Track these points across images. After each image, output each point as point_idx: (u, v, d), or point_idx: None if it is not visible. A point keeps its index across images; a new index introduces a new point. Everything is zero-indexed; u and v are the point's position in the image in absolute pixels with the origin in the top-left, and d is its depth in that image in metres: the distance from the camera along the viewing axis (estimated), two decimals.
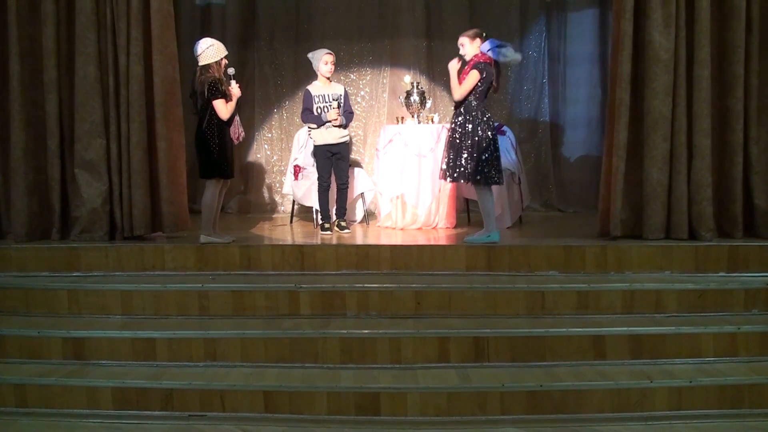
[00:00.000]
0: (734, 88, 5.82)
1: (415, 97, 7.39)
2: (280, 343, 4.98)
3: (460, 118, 5.90)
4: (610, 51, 6.16)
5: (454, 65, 5.95)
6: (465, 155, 5.85)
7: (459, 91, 5.89)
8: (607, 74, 6.94)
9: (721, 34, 5.86)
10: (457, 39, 6.09)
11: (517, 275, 5.55)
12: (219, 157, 5.86)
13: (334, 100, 6.80)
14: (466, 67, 5.90)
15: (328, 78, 6.90)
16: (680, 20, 5.72)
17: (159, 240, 6.11)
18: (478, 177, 5.85)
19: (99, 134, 5.97)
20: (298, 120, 8.66)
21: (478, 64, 5.81)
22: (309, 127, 6.92)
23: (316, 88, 6.88)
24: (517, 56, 5.98)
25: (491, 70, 5.85)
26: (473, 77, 5.80)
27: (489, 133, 5.87)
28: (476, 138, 5.82)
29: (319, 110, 6.78)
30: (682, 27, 5.73)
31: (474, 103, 5.86)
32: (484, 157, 5.82)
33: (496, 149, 5.93)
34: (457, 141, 5.89)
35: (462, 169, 5.86)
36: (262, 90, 8.87)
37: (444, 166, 6.02)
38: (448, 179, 6.04)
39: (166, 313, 5.36)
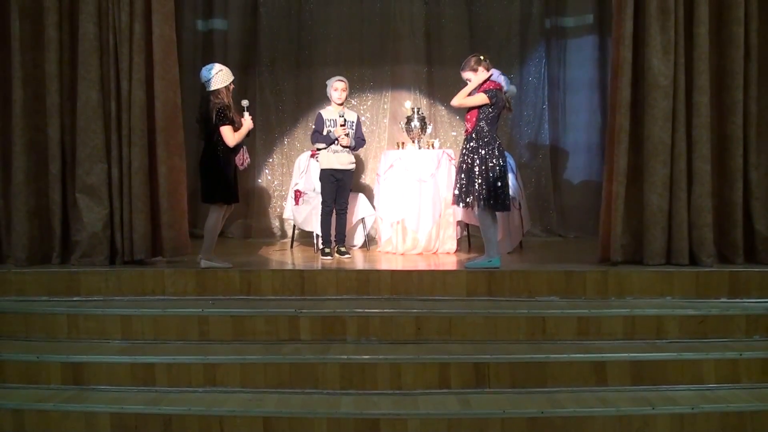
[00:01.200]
0: (733, 115, 5.86)
1: (415, 123, 7.43)
2: (280, 369, 4.95)
3: (471, 144, 5.92)
4: (610, 77, 6.19)
5: (471, 85, 5.98)
6: (478, 181, 5.86)
7: (460, 100, 5.95)
8: (607, 100, 6.99)
9: (719, 61, 5.92)
10: (457, 65, 6.15)
11: (518, 300, 5.53)
12: (224, 182, 5.90)
13: (340, 116, 6.84)
14: (476, 91, 5.94)
15: (340, 104, 6.96)
16: (679, 47, 5.77)
17: (159, 264, 6.10)
18: (491, 203, 5.86)
19: (100, 159, 6.00)
20: (299, 145, 8.72)
21: (488, 91, 5.87)
22: (317, 148, 6.95)
23: (328, 112, 6.97)
24: (513, 89, 6.16)
25: (501, 96, 5.91)
26: (480, 98, 5.85)
27: (501, 159, 5.90)
28: (489, 164, 5.85)
29: (328, 132, 6.84)
30: (681, 54, 5.78)
31: (486, 128, 5.89)
32: (496, 184, 5.85)
33: (506, 175, 5.96)
34: (470, 167, 5.90)
35: (475, 194, 5.87)
36: (264, 115, 8.90)
37: (456, 192, 6.02)
38: (461, 204, 6.03)
39: (166, 338, 5.33)
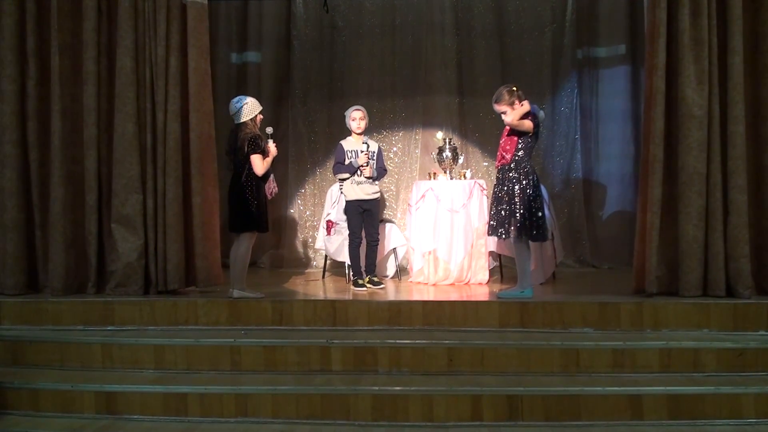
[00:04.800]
0: None
1: (447, 153, 7.44)
2: (312, 399, 4.94)
3: (511, 174, 5.91)
4: (643, 107, 6.16)
5: (522, 109, 5.91)
6: (519, 211, 5.84)
7: (515, 119, 5.84)
8: (640, 130, 6.95)
9: (755, 90, 5.85)
10: (489, 96, 6.13)
11: (552, 332, 5.47)
12: (257, 211, 5.93)
13: (362, 152, 6.85)
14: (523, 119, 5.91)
15: (360, 134, 6.98)
16: (713, 77, 5.72)
17: (192, 294, 6.15)
18: (533, 233, 5.84)
19: (136, 190, 6.09)
20: (331, 176, 8.74)
21: (534, 119, 5.89)
22: (340, 180, 6.97)
23: (349, 143, 6.97)
24: (542, 114, 6.20)
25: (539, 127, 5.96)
26: (529, 124, 5.86)
27: (539, 189, 5.91)
28: (530, 194, 5.84)
29: (350, 162, 6.85)
30: (715, 84, 5.72)
31: (525, 158, 5.90)
32: (537, 214, 5.84)
33: (544, 205, 5.95)
34: (510, 197, 5.89)
35: (516, 225, 5.84)
36: (296, 146, 8.99)
37: (494, 223, 5.99)
38: (503, 237, 5.98)
39: (199, 368, 5.35)
